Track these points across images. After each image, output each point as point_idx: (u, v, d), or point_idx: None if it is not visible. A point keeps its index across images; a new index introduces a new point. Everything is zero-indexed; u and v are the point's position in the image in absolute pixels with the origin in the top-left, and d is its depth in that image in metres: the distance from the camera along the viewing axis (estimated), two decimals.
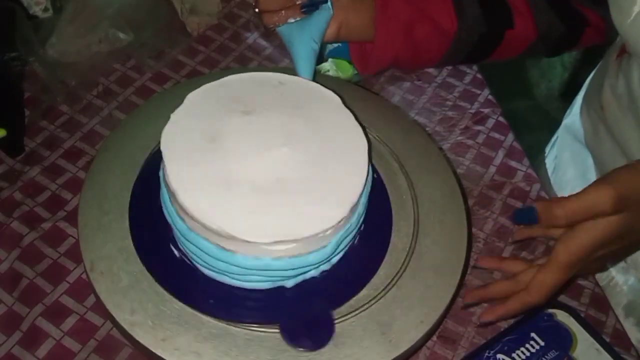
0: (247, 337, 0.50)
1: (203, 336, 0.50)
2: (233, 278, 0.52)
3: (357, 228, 0.53)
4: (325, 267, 0.54)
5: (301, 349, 0.49)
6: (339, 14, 0.61)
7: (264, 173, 0.50)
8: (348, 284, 0.54)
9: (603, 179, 0.49)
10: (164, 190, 0.52)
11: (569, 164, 0.82)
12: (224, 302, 0.52)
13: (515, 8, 0.64)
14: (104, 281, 0.52)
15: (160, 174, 0.52)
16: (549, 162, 0.86)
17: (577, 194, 0.48)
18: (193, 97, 0.55)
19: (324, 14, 0.60)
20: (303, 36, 0.58)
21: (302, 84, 0.57)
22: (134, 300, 0.51)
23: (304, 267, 0.50)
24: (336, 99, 0.56)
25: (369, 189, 0.53)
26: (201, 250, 0.49)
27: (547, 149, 0.88)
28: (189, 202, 0.48)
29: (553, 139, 0.87)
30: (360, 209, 0.52)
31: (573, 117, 0.82)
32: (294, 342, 0.49)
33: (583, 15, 0.66)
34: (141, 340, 0.49)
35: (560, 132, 0.85)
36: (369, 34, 0.63)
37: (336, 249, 0.51)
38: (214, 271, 0.52)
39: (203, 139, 0.52)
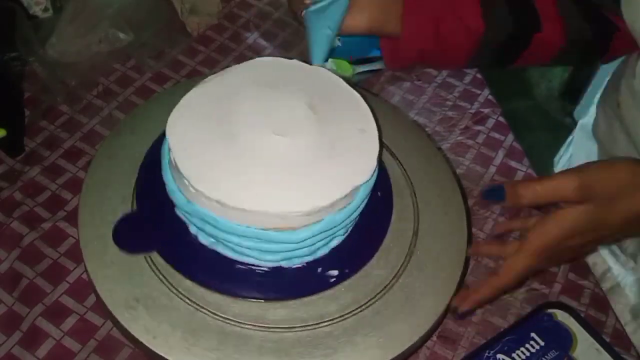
0: (248, 337, 0.50)
1: (210, 338, 0.50)
2: (242, 253, 0.52)
3: (360, 207, 0.53)
4: (324, 250, 0.54)
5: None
6: (368, 8, 0.62)
7: (276, 152, 0.50)
8: (341, 267, 0.54)
9: (572, 169, 0.51)
10: (169, 176, 0.52)
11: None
12: (230, 279, 0.53)
13: (544, 13, 0.65)
14: (106, 282, 0.52)
15: (165, 161, 0.52)
16: (563, 162, 0.87)
17: (544, 177, 0.51)
18: (210, 80, 0.55)
19: (341, 3, 0.61)
20: (319, 23, 0.60)
21: (317, 72, 0.58)
22: (136, 301, 0.51)
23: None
24: (350, 89, 0.57)
25: (376, 170, 0.53)
26: (213, 226, 0.50)
27: (561, 151, 0.89)
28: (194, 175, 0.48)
29: (567, 141, 0.88)
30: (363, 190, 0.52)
31: (589, 117, 0.82)
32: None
33: (611, 22, 0.66)
34: (143, 341, 0.49)
35: (576, 132, 0.86)
36: (398, 28, 0.64)
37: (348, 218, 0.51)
38: (224, 245, 0.52)
39: (213, 117, 0.52)
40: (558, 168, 0.87)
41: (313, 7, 0.61)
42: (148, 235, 0.54)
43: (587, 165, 0.51)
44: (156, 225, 0.54)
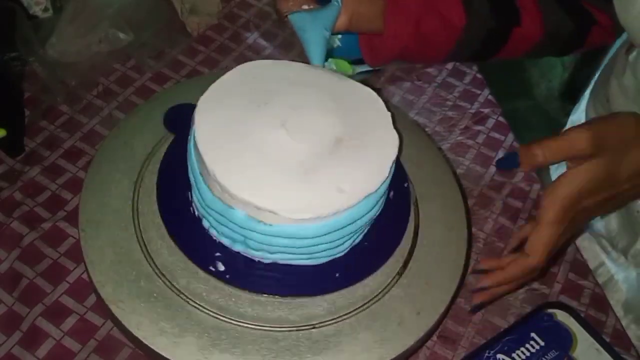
0: (253, 336, 0.50)
1: (211, 337, 0.50)
2: (253, 247, 0.52)
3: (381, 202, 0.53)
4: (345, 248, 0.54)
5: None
6: (351, 4, 0.62)
7: (296, 153, 0.50)
8: (361, 267, 0.55)
9: (581, 124, 0.51)
10: (195, 168, 0.51)
11: None
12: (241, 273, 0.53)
13: (524, 7, 0.65)
14: (109, 286, 0.52)
15: (192, 150, 0.52)
16: None
17: (556, 135, 0.50)
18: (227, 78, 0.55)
19: (334, 6, 0.61)
20: (315, 25, 0.60)
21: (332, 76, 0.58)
22: (139, 303, 0.51)
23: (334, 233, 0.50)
24: (366, 88, 0.57)
25: (393, 169, 0.53)
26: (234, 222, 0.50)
27: None
28: (226, 180, 0.48)
29: None
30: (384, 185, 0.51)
31: (580, 113, 0.83)
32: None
33: (590, 14, 0.66)
34: (148, 343, 0.49)
35: (567, 128, 0.86)
36: (379, 25, 0.64)
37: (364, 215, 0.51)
38: (237, 242, 0.52)
39: (235, 120, 0.51)
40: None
41: (303, 11, 0.61)
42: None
43: (594, 120, 0.51)
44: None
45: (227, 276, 0.52)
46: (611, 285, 0.73)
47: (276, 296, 0.52)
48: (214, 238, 0.54)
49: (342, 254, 0.54)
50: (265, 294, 0.52)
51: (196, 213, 0.55)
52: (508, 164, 0.53)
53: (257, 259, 0.53)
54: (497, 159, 0.54)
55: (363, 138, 0.52)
